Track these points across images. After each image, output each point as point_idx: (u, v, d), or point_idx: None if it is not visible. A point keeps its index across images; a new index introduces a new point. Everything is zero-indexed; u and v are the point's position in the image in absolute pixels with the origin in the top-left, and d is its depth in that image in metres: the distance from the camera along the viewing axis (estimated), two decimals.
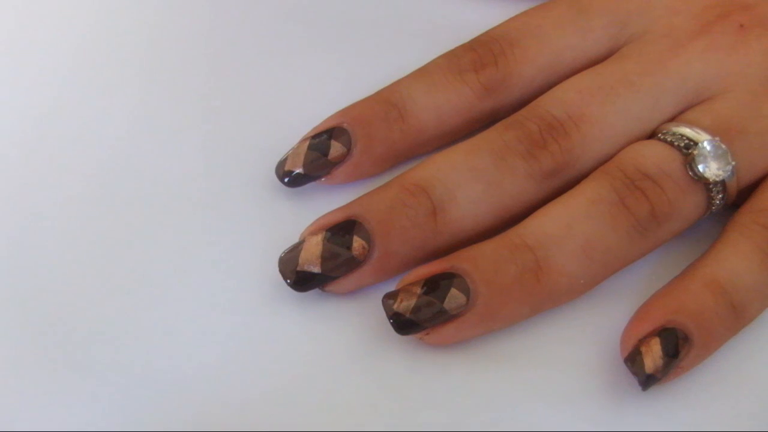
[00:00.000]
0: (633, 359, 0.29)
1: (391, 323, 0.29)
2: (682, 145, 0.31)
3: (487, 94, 0.33)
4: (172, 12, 0.37)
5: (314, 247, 0.30)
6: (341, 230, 0.30)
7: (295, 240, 0.31)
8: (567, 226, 0.30)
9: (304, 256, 0.30)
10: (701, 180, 0.30)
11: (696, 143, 0.31)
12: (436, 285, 0.29)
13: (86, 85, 0.35)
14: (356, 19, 0.37)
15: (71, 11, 0.37)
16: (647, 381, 0.29)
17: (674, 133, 0.31)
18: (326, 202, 0.32)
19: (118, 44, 0.36)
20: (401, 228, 0.30)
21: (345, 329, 0.31)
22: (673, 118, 0.32)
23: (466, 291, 0.29)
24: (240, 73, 0.35)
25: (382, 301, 0.30)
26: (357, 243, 0.30)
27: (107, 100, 0.35)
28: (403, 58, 0.34)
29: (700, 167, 0.30)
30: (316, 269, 0.30)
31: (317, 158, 0.32)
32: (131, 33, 0.36)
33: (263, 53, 0.36)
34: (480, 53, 0.33)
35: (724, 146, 0.30)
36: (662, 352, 0.29)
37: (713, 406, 0.30)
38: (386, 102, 0.33)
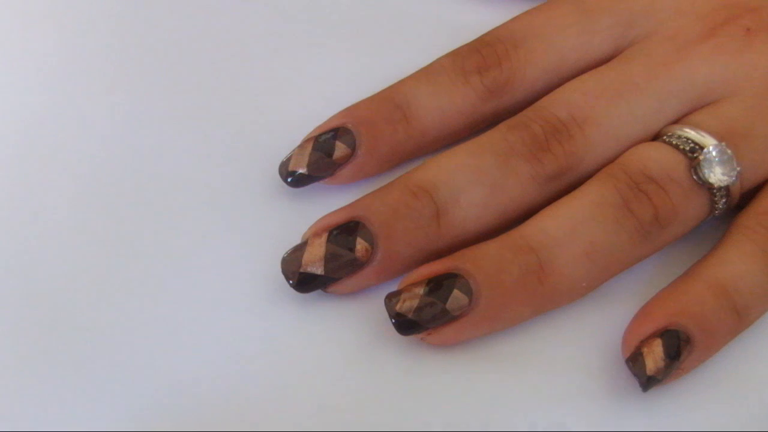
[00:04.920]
0: (634, 360, 0.29)
1: (393, 323, 0.30)
2: (687, 148, 0.31)
3: (491, 96, 0.32)
4: (174, 12, 0.37)
5: (317, 248, 0.30)
6: (344, 232, 0.30)
7: (298, 240, 0.31)
8: (570, 228, 0.30)
9: (306, 257, 0.30)
10: (705, 185, 0.30)
11: (701, 147, 0.31)
12: (438, 285, 0.29)
13: (87, 85, 0.35)
14: (358, 17, 0.36)
15: (71, 11, 0.37)
16: (648, 382, 0.29)
17: (679, 136, 0.31)
18: (329, 202, 0.32)
19: (119, 44, 0.36)
20: (404, 230, 0.30)
21: (347, 329, 0.31)
22: (679, 120, 0.32)
23: (468, 292, 0.29)
24: (242, 73, 0.35)
25: (385, 301, 0.30)
26: (360, 245, 0.30)
27: (108, 101, 0.35)
28: (405, 56, 0.34)
29: (705, 172, 0.30)
30: (319, 271, 0.30)
31: (321, 159, 0.32)
32: (132, 33, 0.36)
33: (265, 52, 0.36)
34: (484, 54, 0.33)
35: (729, 151, 0.30)
36: (664, 354, 0.29)
37: (713, 407, 0.30)
38: (390, 102, 0.32)
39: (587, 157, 0.31)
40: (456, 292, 0.29)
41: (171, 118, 0.34)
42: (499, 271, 0.30)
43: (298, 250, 0.30)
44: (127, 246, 0.32)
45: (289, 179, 0.32)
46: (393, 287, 0.30)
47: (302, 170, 0.32)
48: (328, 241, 0.30)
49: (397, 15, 0.36)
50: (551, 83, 0.33)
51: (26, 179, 0.33)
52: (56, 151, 0.34)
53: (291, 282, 0.30)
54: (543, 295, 0.30)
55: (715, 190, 0.30)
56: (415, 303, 0.29)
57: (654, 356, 0.29)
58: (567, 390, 0.30)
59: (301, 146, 0.32)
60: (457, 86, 0.32)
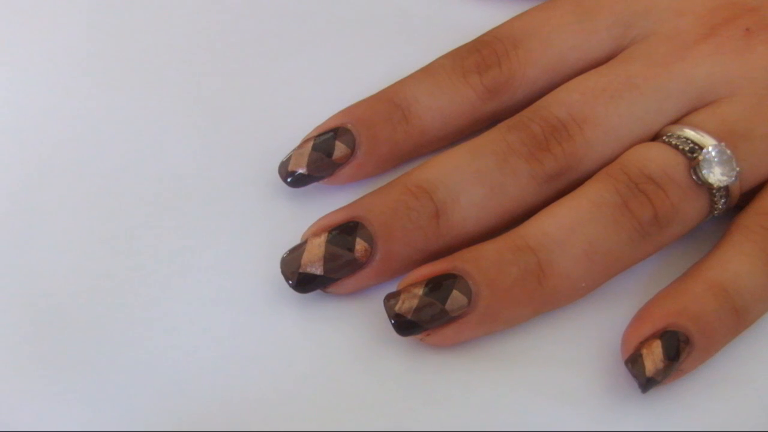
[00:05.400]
0: (633, 361, 0.29)
1: (393, 324, 0.30)
2: (687, 149, 0.31)
3: (491, 96, 0.32)
4: (174, 12, 0.37)
5: (316, 248, 0.30)
6: (343, 232, 0.30)
7: (297, 240, 0.31)
8: (569, 228, 0.30)
9: (306, 257, 0.30)
10: (705, 185, 0.30)
11: (701, 147, 0.30)
12: (437, 286, 0.29)
13: (87, 85, 0.35)
14: (359, 17, 0.36)
15: (72, 11, 0.37)
16: (647, 384, 0.29)
17: (679, 136, 0.31)
18: (328, 202, 0.32)
19: (119, 44, 0.36)
20: (404, 230, 0.30)
21: (346, 330, 0.31)
22: (678, 120, 0.32)
23: (467, 292, 0.29)
24: (242, 73, 0.35)
25: (384, 302, 0.30)
26: (359, 245, 0.30)
27: (108, 101, 0.35)
28: (405, 56, 0.34)
29: (705, 172, 0.30)
30: (318, 271, 0.30)
31: (321, 159, 0.32)
32: (132, 33, 0.36)
33: (265, 52, 0.36)
34: (484, 54, 0.33)
35: (729, 152, 0.30)
36: (663, 355, 0.29)
37: (713, 407, 0.30)
38: (390, 102, 0.32)
39: (586, 157, 0.31)
40: (455, 293, 0.29)
41: (171, 118, 0.34)
42: (498, 271, 0.30)
43: (297, 250, 0.30)
44: (127, 246, 0.32)
45: (288, 179, 0.32)
46: (392, 288, 0.30)
47: (302, 170, 0.32)
48: (328, 241, 0.30)
49: (397, 15, 0.36)
50: (551, 83, 0.33)
51: (26, 178, 0.33)
52: (56, 150, 0.34)
53: (290, 282, 0.30)
54: (542, 296, 0.30)
55: (714, 191, 0.30)
56: (414, 303, 0.29)
57: (653, 357, 0.29)
58: (567, 390, 0.30)
59: (301, 146, 0.32)
60: (456, 86, 0.32)
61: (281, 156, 0.32)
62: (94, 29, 0.36)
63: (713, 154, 0.30)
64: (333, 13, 0.36)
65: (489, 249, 0.30)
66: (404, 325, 0.29)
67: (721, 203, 0.31)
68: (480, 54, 0.33)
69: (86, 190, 0.33)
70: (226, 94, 0.35)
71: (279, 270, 0.31)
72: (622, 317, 0.30)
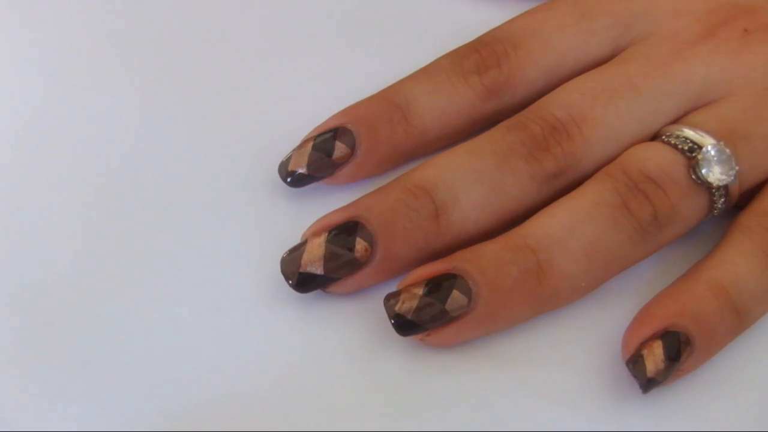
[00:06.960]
0: (635, 362, 0.29)
1: (393, 324, 0.29)
2: (686, 148, 0.31)
3: (490, 96, 0.33)
4: (174, 12, 0.37)
5: (317, 248, 0.30)
6: (344, 231, 0.30)
7: (297, 240, 0.31)
8: (569, 228, 0.30)
9: (306, 257, 0.30)
10: (704, 184, 0.30)
11: (700, 147, 0.31)
12: (438, 286, 0.29)
13: (87, 85, 0.35)
14: (359, 17, 0.37)
15: (72, 11, 0.37)
16: (648, 384, 0.29)
17: (678, 136, 0.31)
18: (328, 202, 0.32)
19: (119, 44, 0.36)
20: (404, 230, 0.30)
21: (346, 330, 0.31)
22: (677, 120, 0.32)
23: (467, 292, 0.29)
24: (242, 73, 0.35)
25: (384, 302, 0.30)
26: (360, 245, 0.30)
27: (108, 101, 0.35)
28: (405, 56, 0.34)
29: (704, 172, 0.30)
30: (319, 270, 0.30)
31: (321, 158, 0.32)
32: (132, 33, 0.36)
33: (265, 52, 0.36)
34: (483, 54, 0.33)
35: (728, 151, 0.30)
36: (664, 356, 0.29)
37: (713, 407, 0.30)
38: (390, 103, 0.32)
39: (586, 157, 0.31)
40: (455, 293, 0.29)
41: (171, 118, 0.34)
42: (498, 271, 0.30)
43: (298, 250, 0.30)
44: (127, 246, 0.32)
45: (288, 179, 0.32)
46: (392, 288, 0.30)
47: (302, 170, 0.32)
48: (328, 241, 0.30)
49: (398, 15, 0.36)
50: (550, 83, 0.33)
51: (27, 179, 0.33)
52: (57, 151, 0.34)
53: (290, 282, 0.30)
54: (542, 296, 0.30)
55: (714, 190, 0.31)
56: (414, 304, 0.29)
57: (654, 358, 0.29)
58: (567, 390, 0.30)
59: (301, 146, 0.32)
60: (456, 86, 0.33)
61: (281, 156, 0.32)
62: (94, 29, 0.36)
63: (712, 153, 0.30)
64: (333, 13, 0.37)
65: (489, 249, 0.30)
66: (404, 325, 0.29)
67: (720, 202, 0.31)
68: (479, 54, 0.33)
69: (86, 190, 0.33)
70: (226, 94, 0.35)
71: (279, 270, 0.31)
72: (622, 317, 0.30)
